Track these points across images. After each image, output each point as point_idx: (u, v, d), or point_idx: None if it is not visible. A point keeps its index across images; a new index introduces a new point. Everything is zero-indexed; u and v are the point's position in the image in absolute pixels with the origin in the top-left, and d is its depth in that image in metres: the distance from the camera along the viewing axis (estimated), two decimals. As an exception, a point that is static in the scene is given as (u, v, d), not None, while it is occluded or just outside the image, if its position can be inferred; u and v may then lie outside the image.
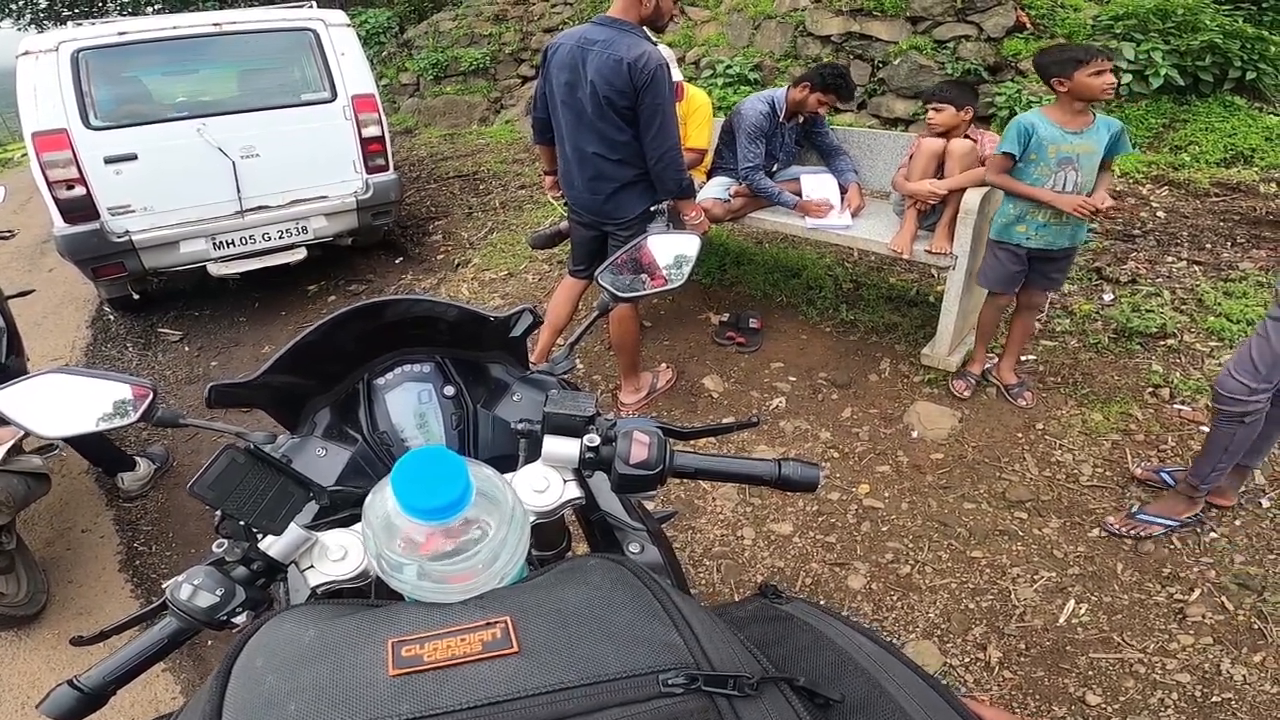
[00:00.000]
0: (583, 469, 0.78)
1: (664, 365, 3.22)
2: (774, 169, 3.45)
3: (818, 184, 3.30)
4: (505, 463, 0.92)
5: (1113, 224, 3.92)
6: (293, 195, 4.15)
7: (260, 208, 4.06)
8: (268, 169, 4.07)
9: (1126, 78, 4.74)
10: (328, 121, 4.21)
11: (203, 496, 0.69)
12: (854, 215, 3.21)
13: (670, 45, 4.00)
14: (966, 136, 2.86)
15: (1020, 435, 2.68)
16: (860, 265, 4.00)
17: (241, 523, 0.71)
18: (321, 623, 0.53)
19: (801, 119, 3.36)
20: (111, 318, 4.66)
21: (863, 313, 3.48)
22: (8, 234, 3.11)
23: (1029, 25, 5.19)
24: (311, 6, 4.54)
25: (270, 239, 4.15)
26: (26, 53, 3.77)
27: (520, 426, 0.86)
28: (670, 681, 0.46)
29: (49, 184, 3.66)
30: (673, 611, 0.52)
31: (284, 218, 4.14)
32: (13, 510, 2.27)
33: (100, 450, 2.79)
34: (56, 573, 2.55)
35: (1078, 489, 2.44)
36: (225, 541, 0.73)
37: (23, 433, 2.34)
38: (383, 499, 0.58)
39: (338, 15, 4.43)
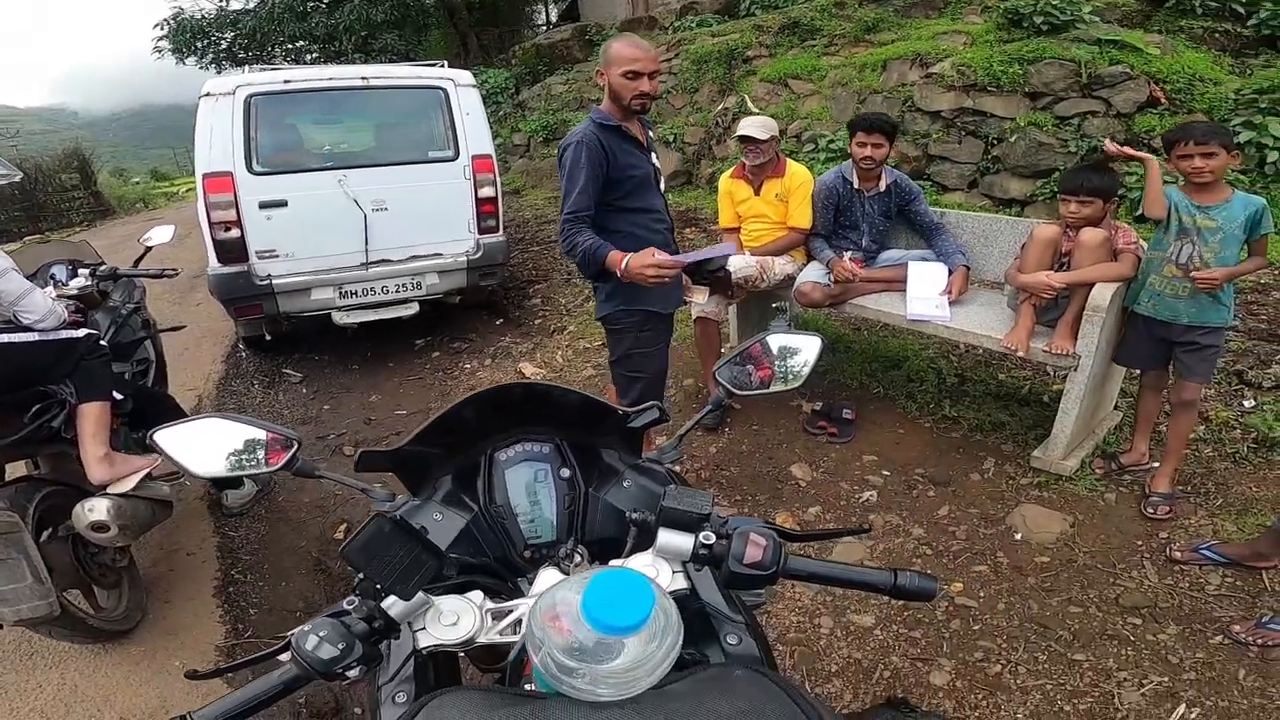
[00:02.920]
0: (693, 563, 0.82)
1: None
2: (863, 241, 3.37)
3: (925, 273, 3.14)
4: (609, 545, 0.96)
5: (1257, 322, 3.54)
6: (412, 251, 4.28)
7: (383, 261, 4.22)
8: (393, 224, 4.17)
9: (1274, 154, 4.39)
10: (449, 180, 4.29)
11: (351, 560, 0.74)
12: (953, 303, 3.03)
13: (774, 117, 3.94)
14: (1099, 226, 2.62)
15: (1140, 543, 2.46)
16: (967, 359, 3.79)
17: (376, 585, 0.75)
18: (485, 711, 0.56)
19: (885, 186, 3.24)
20: (244, 355, 5.01)
21: (967, 409, 3.28)
22: (172, 272, 3.21)
23: (1163, 100, 4.89)
24: (443, 65, 4.68)
25: (389, 292, 4.30)
26: (208, 94, 3.90)
27: (635, 517, 0.89)
28: None
29: (210, 225, 3.82)
30: None
31: (402, 272, 4.28)
32: (136, 534, 2.31)
33: None
34: (155, 592, 2.61)
35: (1202, 597, 2.22)
36: (356, 599, 0.77)
37: (158, 462, 2.49)
38: (557, 605, 0.59)
39: (465, 75, 4.53)
